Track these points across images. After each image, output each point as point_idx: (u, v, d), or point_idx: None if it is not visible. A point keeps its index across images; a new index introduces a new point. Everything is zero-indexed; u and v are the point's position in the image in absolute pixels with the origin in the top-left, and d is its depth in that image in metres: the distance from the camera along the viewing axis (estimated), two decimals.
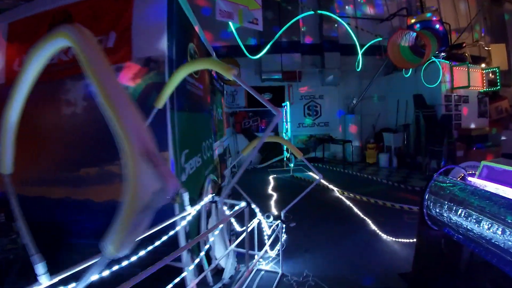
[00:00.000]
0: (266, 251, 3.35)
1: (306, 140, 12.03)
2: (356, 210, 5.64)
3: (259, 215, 3.16)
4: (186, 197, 2.28)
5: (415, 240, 3.34)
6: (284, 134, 10.26)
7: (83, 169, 3.15)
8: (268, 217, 3.29)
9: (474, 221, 2.19)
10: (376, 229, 4.68)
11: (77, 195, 3.17)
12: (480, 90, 9.88)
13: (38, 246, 1.38)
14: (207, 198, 2.55)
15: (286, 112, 9.84)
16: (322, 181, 8.13)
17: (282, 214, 3.26)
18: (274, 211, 5.85)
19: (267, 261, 3.68)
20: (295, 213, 5.56)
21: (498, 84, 9.86)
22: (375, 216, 5.24)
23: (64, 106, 3.19)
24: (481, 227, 2.14)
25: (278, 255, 3.57)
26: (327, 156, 11.77)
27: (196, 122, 3.97)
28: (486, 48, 12.21)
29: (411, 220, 4.98)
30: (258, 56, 6.01)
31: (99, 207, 3.07)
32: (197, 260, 2.68)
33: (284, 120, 9.95)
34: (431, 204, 2.63)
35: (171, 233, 2.16)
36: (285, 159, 10.30)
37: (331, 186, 7.39)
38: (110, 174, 3.00)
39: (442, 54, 9.37)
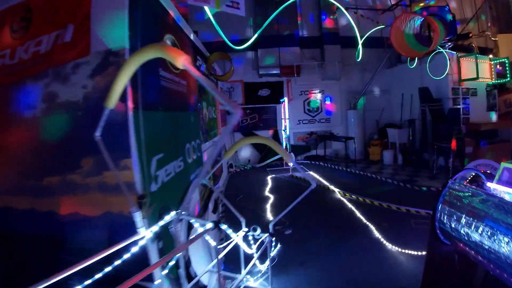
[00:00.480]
0: (252, 268, 2.96)
1: (307, 137, 11.60)
2: (358, 214, 5.23)
3: (235, 237, 2.72)
4: (138, 217, 1.88)
5: (424, 253, 2.93)
6: (282, 131, 9.84)
7: (46, 178, 2.82)
8: (254, 229, 2.88)
9: (499, 241, 1.77)
10: (380, 237, 4.27)
11: (41, 206, 2.87)
12: (489, 82, 9.37)
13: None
14: (168, 216, 2.14)
15: (284, 108, 9.42)
16: (323, 181, 7.73)
17: (270, 227, 2.86)
18: (269, 216, 5.45)
19: (256, 277, 3.28)
20: (291, 218, 5.16)
21: (508, 75, 9.36)
22: (379, 221, 4.82)
23: (25, 109, 2.86)
24: (508, 250, 1.72)
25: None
26: (329, 154, 11.34)
27: (176, 122, 3.57)
28: (492, 38, 11.67)
29: (419, 225, 4.56)
30: (245, 46, 5.60)
31: (63, 219, 2.76)
32: (165, 272, 2.29)
33: (283, 117, 9.52)
34: (445, 217, 2.21)
35: (126, 255, 1.78)
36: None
37: (332, 187, 6.97)
38: (72, 184, 2.65)
39: (449, 44, 8.87)
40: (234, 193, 7.09)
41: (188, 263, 3.05)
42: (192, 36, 4.65)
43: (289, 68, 10.69)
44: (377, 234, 4.37)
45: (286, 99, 9.43)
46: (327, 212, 5.61)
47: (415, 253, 3.71)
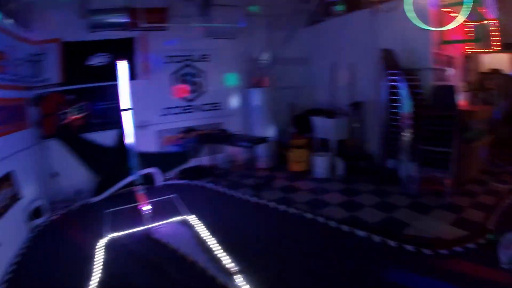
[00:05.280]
0: None
1: (182, 137, 6.81)
2: None
3: None
4: None
5: None
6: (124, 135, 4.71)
7: None
8: None
9: None
10: None
11: None
12: None
13: None
14: None
15: (123, 87, 4.28)
16: (219, 252, 3.36)
17: None
18: None
19: None
20: None
21: None
22: None
23: None
24: None
25: None
26: (220, 161, 6.85)
27: None
28: None
29: None
30: None
31: None
32: None
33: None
34: None
35: None
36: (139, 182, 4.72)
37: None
38: None
39: None
40: None
41: None
42: None
43: (147, 13, 5.69)
44: None
45: (124, 64, 4.25)
46: None
47: None
